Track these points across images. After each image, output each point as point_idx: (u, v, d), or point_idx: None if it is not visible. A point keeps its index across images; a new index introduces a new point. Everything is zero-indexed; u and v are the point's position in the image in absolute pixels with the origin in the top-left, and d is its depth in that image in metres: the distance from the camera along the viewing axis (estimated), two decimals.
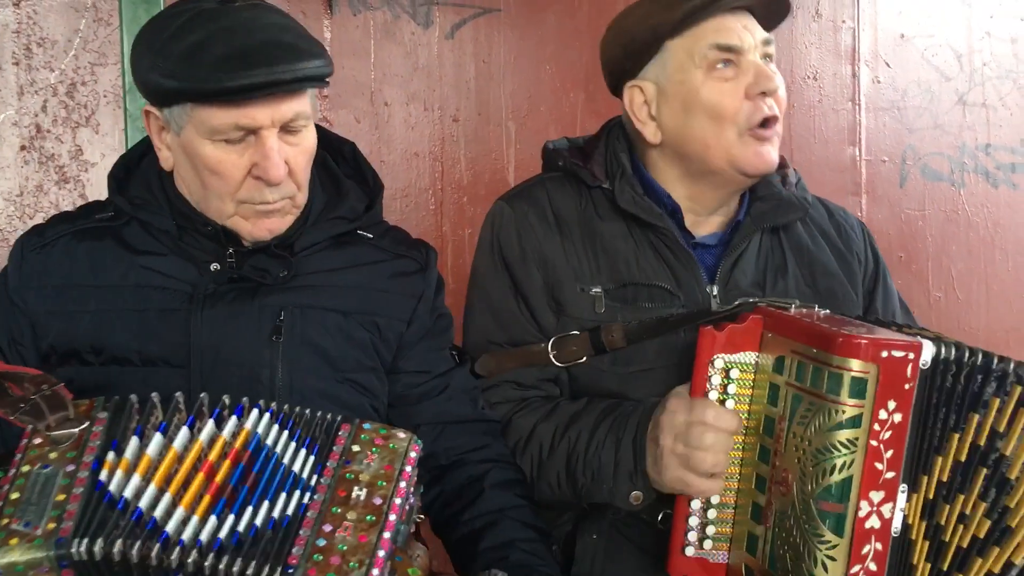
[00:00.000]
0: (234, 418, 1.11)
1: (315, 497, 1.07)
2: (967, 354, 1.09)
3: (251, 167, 1.26)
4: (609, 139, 1.49)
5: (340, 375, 1.35)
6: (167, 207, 1.34)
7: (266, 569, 1.00)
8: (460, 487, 1.37)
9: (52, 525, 1.00)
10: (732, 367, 1.20)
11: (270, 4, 1.35)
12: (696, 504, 1.24)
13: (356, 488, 1.07)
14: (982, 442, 1.10)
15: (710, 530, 1.24)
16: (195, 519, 1.02)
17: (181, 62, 1.21)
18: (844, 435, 1.07)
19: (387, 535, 1.03)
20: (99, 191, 2.11)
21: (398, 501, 1.07)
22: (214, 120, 1.23)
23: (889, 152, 2.76)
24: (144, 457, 1.06)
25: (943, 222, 2.78)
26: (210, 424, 1.10)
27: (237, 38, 1.21)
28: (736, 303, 1.26)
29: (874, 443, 1.07)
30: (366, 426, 1.14)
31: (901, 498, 1.09)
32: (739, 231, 1.43)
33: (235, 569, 1.00)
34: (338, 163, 1.45)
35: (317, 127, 1.38)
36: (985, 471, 1.11)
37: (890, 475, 1.08)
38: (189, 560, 1.00)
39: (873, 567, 1.08)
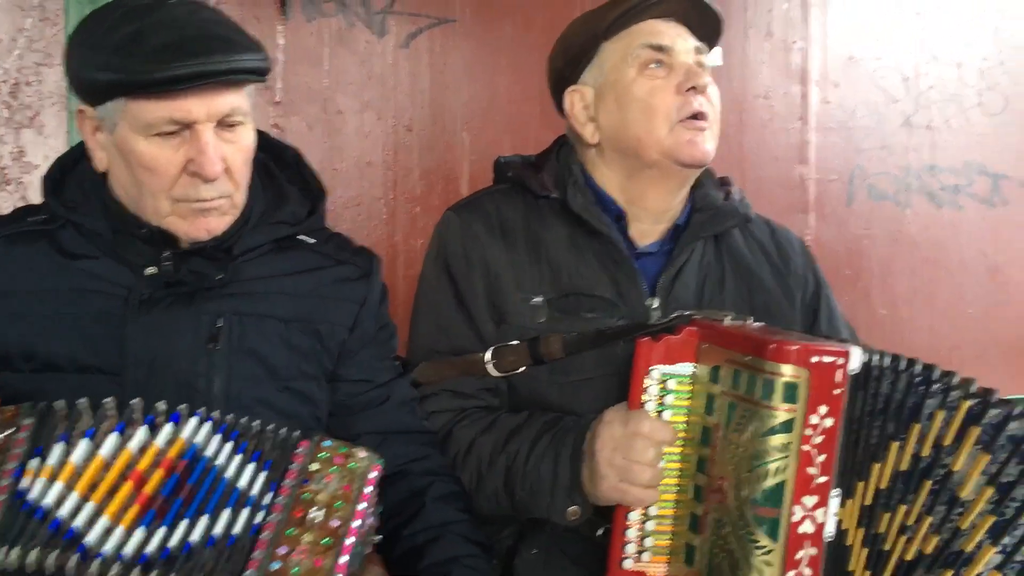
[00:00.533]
0: (169, 426, 1.08)
1: (270, 517, 1.04)
2: (903, 363, 1.11)
3: (186, 163, 1.24)
4: (561, 152, 1.53)
5: (280, 384, 1.33)
6: (101, 210, 1.31)
7: None
8: (401, 500, 1.35)
9: None
10: (669, 378, 1.22)
11: (206, 3, 1.34)
12: (634, 516, 1.24)
13: (313, 509, 1.05)
14: (925, 453, 1.12)
15: (648, 542, 1.24)
16: (120, 530, 0.99)
17: (114, 54, 1.19)
18: (777, 440, 1.09)
19: (343, 559, 1.01)
20: (40, 194, 2.07)
21: (356, 524, 1.05)
22: (148, 114, 1.21)
23: (837, 171, 2.80)
24: (68, 464, 1.03)
25: (889, 241, 2.83)
26: (142, 431, 1.07)
27: (172, 30, 1.20)
28: (673, 315, 1.27)
29: (806, 448, 1.09)
30: (326, 443, 1.12)
31: (834, 503, 1.11)
32: (680, 241, 1.44)
33: None
34: (281, 168, 1.44)
35: (260, 132, 1.36)
36: (930, 484, 1.12)
37: (822, 480, 1.10)
38: (111, 573, 0.96)
39: (808, 572, 1.10)
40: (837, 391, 1.09)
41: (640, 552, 1.25)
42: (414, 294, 1.55)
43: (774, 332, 1.19)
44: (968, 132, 2.83)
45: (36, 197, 2.07)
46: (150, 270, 1.30)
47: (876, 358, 1.11)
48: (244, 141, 1.29)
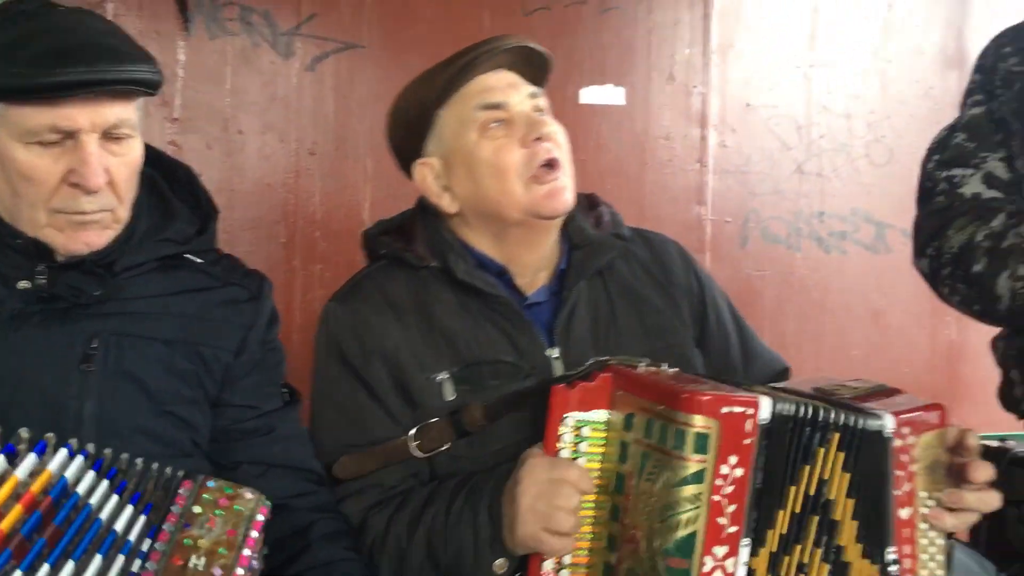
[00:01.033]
0: (32, 456, 0.98)
1: (147, 565, 0.97)
2: (802, 409, 1.13)
3: (67, 173, 1.19)
4: (427, 217, 1.47)
5: (159, 408, 1.27)
6: None
7: None
8: (283, 537, 1.30)
9: None
10: (584, 425, 1.20)
11: (96, 13, 1.30)
12: (548, 565, 1.21)
13: (194, 556, 0.98)
14: (812, 491, 1.14)
15: None
16: None
17: None
18: (688, 491, 1.09)
19: None
20: None
21: (240, 572, 0.98)
22: (29, 120, 1.16)
23: (732, 213, 2.88)
24: None
25: (779, 283, 2.92)
26: None
27: (58, 36, 1.16)
28: (589, 363, 1.24)
29: (716, 498, 1.09)
30: (210, 484, 1.06)
31: (744, 552, 1.11)
32: (565, 284, 1.43)
33: None
34: (172, 186, 1.39)
35: (150, 148, 1.32)
36: (817, 518, 1.14)
37: (733, 529, 1.10)
38: None
39: None
40: (747, 441, 1.10)
41: None
42: (316, 322, 1.48)
43: (686, 380, 1.19)
44: (855, 181, 2.96)
45: None
46: (23, 284, 1.23)
47: (782, 406, 1.12)
48: (130, 155, 1.25)
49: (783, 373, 1.51)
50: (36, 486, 0.96)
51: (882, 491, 1.14)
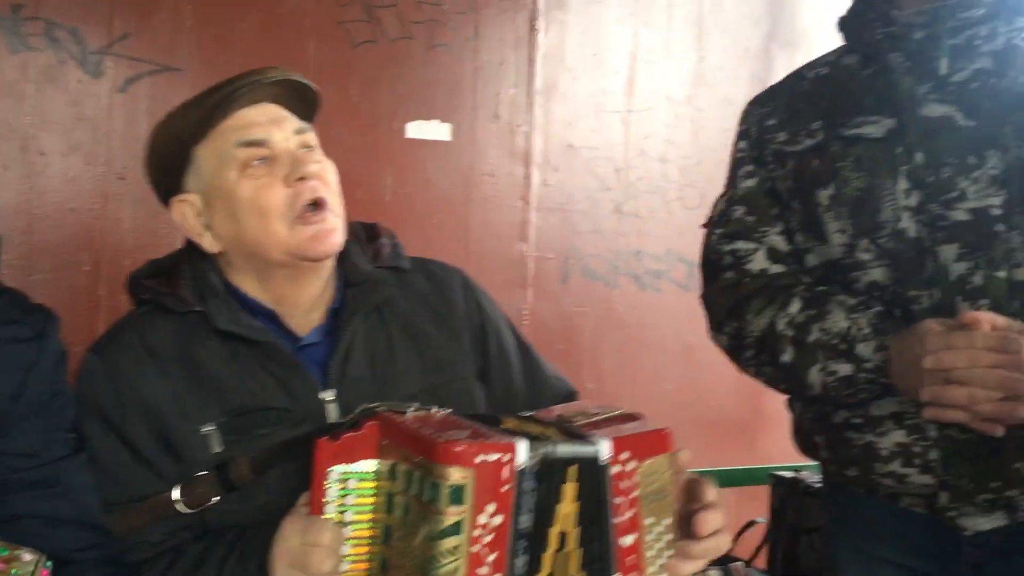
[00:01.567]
0: None
1: None
2: (551, 447, 1.11)
3: None
4: (192, 258, 1.39)
5: None
6: None
7: None
8: None
9: None
10: (350, 477, 1.15)
11: None
12: None
13: None
14: (563, 528, 1.13)
15: None
16: None
17: None
18: (448, 543, 1.06)
19: None
20: None
21: None
22: None
23: (554, 250, 2.95)
24: None
25: (598, 319, 3.01)
26: None
27: None
28: (357, 411, 1.19)
29: (475, 548, 1.07)
30: None
31: None
32: (339, 322, 1.37)
33: None
34: None
35: None
36: (562, 553, 1.14)
37: None
38: None
39: None
40: (505, 488, 1.08)
41: None
42: None
43: (450, 426, 1.16)
44: (669, 223, 3.10)
45: None
46: None
47: (544, 448, 1.12)
48: None
49: (570, 397, 1.52)
50: None
51: (602, 519, 1.13)
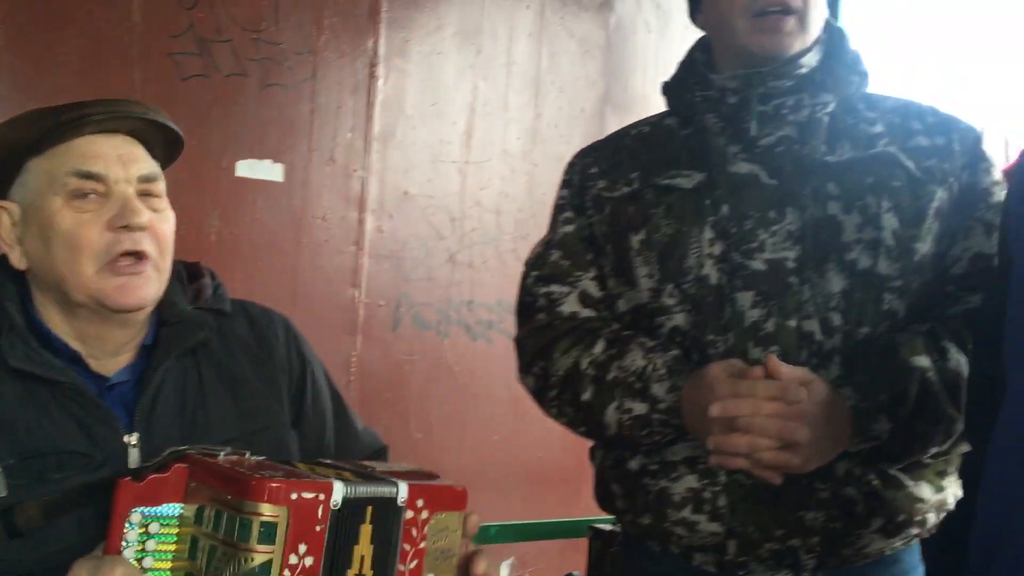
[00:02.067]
0: None
1: None
2: (355, 489, 1.11)
3: None
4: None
5: None
6: None
7: None
8: None
9: None
10: (152, 521, 1.10)
11: None
12: None
13: None
14: (362, 571, 1.12)
15: None
16: None
17: None
18: None
19: None
20: None
21: None
22: None
23: (386, 297, 2.93)
24: None
25: (428, 368, 2.99)
26: None
27: None
28: (166, 453, 1.14)
29: None
30: None
31: None
32: (150, 364, 1.31)
33: None
34: None
35: None
36: None
37: None
38: None
39: None
40: (319, 527, 1.07)
41: None
42: None
43: (265, 468, 1.14)
44: (503, 273, 3.13)
45: None
46: None
47: (359, 489, 1.11)
48: None
49: (380, 452, 1.51)
50: None
51: (389, 562, 1.13)
